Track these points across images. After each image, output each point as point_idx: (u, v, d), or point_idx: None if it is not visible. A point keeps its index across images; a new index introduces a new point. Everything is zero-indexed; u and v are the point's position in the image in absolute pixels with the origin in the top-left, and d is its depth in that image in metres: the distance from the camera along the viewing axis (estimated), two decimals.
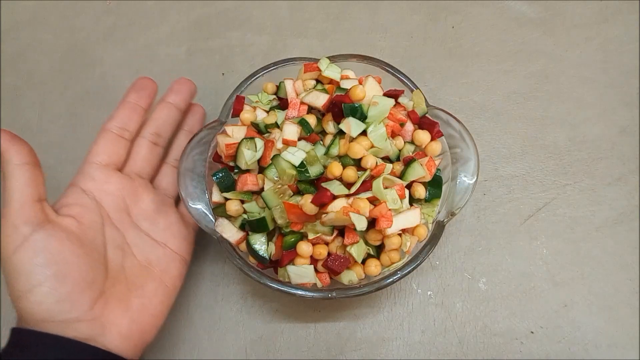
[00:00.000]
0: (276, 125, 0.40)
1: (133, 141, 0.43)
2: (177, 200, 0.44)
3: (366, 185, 0.37)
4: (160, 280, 0.40)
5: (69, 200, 0.39)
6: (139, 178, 0.42)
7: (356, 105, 0.38)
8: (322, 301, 0.45)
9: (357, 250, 0.38)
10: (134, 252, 0.40)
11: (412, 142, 0.41)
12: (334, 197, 0.37)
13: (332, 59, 0.43)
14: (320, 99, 0.39)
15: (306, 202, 0.36)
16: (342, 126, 0.38)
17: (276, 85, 0.44)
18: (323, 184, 0.37)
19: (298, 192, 0.38)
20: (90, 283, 0.36)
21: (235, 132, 0.40)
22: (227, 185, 0.40)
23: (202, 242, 0.47)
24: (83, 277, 0.35)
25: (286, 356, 0.44)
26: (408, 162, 0.39)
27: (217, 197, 0.40)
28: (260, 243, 0.39)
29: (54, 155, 0.51)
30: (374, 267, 0.39)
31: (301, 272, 0.38)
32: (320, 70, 0.42)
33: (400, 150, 0.41)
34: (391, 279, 0.38)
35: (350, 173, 0.37)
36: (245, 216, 0.40)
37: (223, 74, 0.53)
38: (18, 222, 0.34)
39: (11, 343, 0.35)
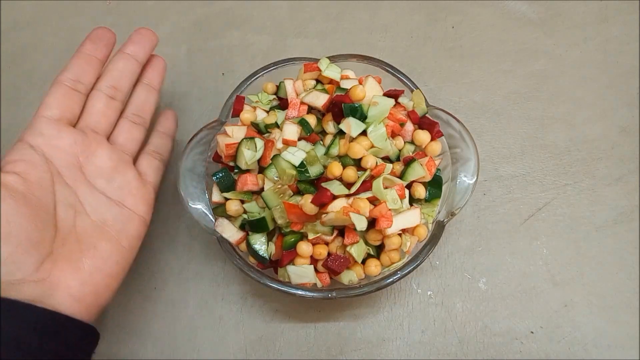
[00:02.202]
0: (276, 125, 0.40)
1: (88, 95, 0.40)
2: (135, 157, 0.42)
3: (366, 185, 0.37)
4: (116, 241, 0.38)
5: (14, 157, 0.36)
6: (93, 133, 0.39)
7: (356, 105, 0.38)
8: (322, 301, 0.45)
9: (357, 250, 0.38)
10: (87, 210, 0.38)
11: (412, 142, 0.41)
12: (334, 197, 0.37)
13: (332, 59, 0.43)
14: (320, 99, 0.40)
15: (306, 202, 0.36)
16: (342, 126, 0.38)
17: (276, 85, 0.44)
18: (323, 184, 0.37)
19: (298, 192, 0.38)
20: (36, 243, 0.34)
21: (235, 132, 0.40)
22: (227, 185, 0.40)
23: (202, 242, 0.47)
24: (28, 237, 0.33)
25: (286, 356, 0.44)
26: (408, 162, 0.39)
27: (217, 197, 0.40)
28: (260, 243, 0.39)
29: None
30: (374, 267, 0.39)
31: (301, 272, 0.38)
32: (320, 70, 0.42)
33: (400, 150, 0.41)
34: (391, 279, 0.38)
35: (350, 173, 0.37)
36: (245, 216, 0.40)
37: (223, 74, 0.53)
38: None
39: None
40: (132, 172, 0.40)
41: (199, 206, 0.41)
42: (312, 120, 0.39)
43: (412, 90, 0.43)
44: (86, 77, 0.40)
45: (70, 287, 0.35)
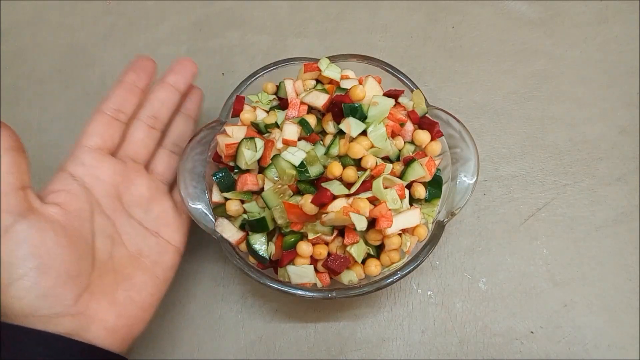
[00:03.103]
0: (276, 125, 0.40)
1: (129, 124, 0.40)
2: (172, 187, 0.43)
3: (366, 185, 0.37)
4: (151, 272, 0.38)
5: (55, 187, 0.36)
6: (132, 162, 0.40)
7: (356, 105, 0.38)
8: (322, 301, 0.45)
9: (357, 250, 0.38)
10: (124, 241, 0.38)
11: (412, 142, 0.41)
12: (334, 197, 0.37)
13: (332, 59, 0.43)
14: (320, 99, 0.39)
15: (306, 202, 0.36)
16: (342, 126, 0.38)
17: (276, 85, 0.44)
18: (323, 184, 0.37)
19: (298, 192, 0.38)
20: (75, 276, 0.34)
21: (235, 132, 0.40)
22: (227, 185, 0.40)
23: (202, 242, 0.47)
24: (67, 270, 0.33)
25: (286, 356, 0.44)
26: (408, 162, 0.39)
27: (217, 197, 0.40)
28: (260, 243, 0.39)
29: (53, 155, 0.51)
30: (374, 267, 0.39)
31: (301, 272, 0.38)
32: (320, 70, 0.42)
33: (400, 150, 0.41)
34: (391, 279, 0.38)
35: (350, 173, 0.37)
36: (245, 216, 0.40)
37: (223, 74, 0.53)
38: None
39: None
40: (169, 202, 0.41)
41: (199, 206, 0.41)
42: (312, 120, 0.39)
43: (412, 90, 0.43)
44: (128, 107, 0.40)
45: (106, 320, 0.35)
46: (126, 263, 0.38)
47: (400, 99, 0.43)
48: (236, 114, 0.42)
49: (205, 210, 0.41)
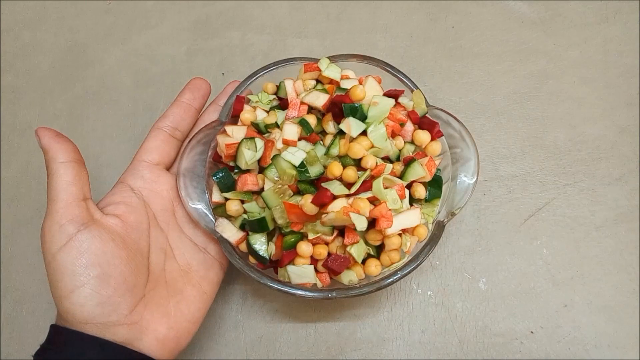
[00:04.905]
0: (276, 125, 0.40)
1: (183, 142, 0.42)
2: None
3: (366, 185, 0.37)
4: (199, 286, 0.39)
5: (116, 199, 0.38)
6: None
7: (356, 105, 0.38)
8: (322, 301, 0.45)
9: (357, 250, 0.38)
10: (175, 255, 0.39)
11: (412, 142, 0.41)
12: (334, 197, 0.37)
13: (332, 59, 0.43)
14: (320, 99, 0.39)
15: (306, 202, 0.36)
16: (342, 126, 0.38)
17: (276, 85, 0.44)
18: (323, 184, 0.37)
19: (298, 192, 0.38)
20: (132, 286, 0.35)
21: (235, 132, 0.40)
22: (227, 185, 0.40)
23: None
24: (125, 280, 0.35)
25: (286, 356, 0.44)
26: (408, 162, 0.39)
27: (217, 197, 0.40)
28: (260, 243, 0.39)
29: None
30: (374, 267, 0.39)
31: (301, 272, 0.38)
32: (320, 70, 0.42)
33: (400, 150, 0.41)
34: (391, 279, 0.38)
35: (350, 173, 0.37)
36: (245, 216, 0.40)
37: (223, 74, 0.53)
38: (63, 221, 0.34)
39: (50, 340, 0.35)
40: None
41: (199, 206, 0.41)
42: (312, 120, 0.39)
43: (412, 90, 0.43)
44: (183, 125, 0.42)
45: (158, 332, 0.36)
46: (177, 277, 0.39)
47: (400, 99, 0.43)
48: (236, 114, 0.42)
49: (205, 210, 0.41)
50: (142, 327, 0.35)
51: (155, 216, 0.39)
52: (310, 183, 0.38)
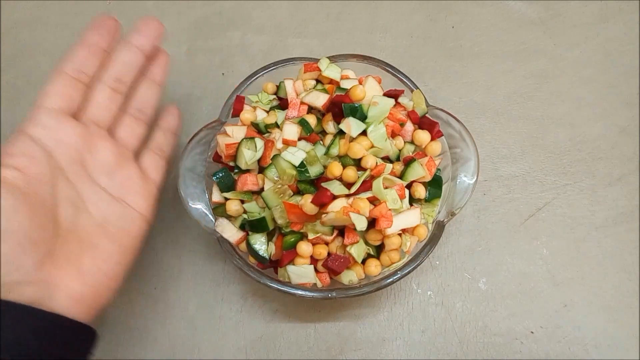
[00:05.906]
0: (276, 125, 0.40)
1: (90, 86, 0.38)
2: (137, 153, 0.41)
3: (366, 185, 0.37)
4: (118, 239, 0.37)
5: (14, 150, 0.34)
6: (95, 127, 0.38)
7: (356, 105, 0.38)
8: (322, 301, 0.45)
9: (357, 250, 0.38)
10: (88, 208, 0.36)
11: (412, 142, 0.41)
12: (334, 197, 0.37)
13: (332, 59, 0.43)
14: (320, 99, 0.40)
15: (306, 202, 0.36)
16: (342, 126, 0.38)
17: (276, 85, 0.44)
18: (323, 184, 0.37)
19: (298, 192, 0.38)
20: (36, 242, 0.32)
21: (235, 132, 0.40)
22: (227, 185, 0.40)
23: (202, 242, 0.47)
24: (27, 236, 0.32)
25: (286, 356, 0.44)
26: (408, 162, 0.39)
27: (217, 197, 0.40)
28: (260, 243, 0.39)
29: None
30: (374, 267, 0.39)
31: (301, 272, 0.38)
32: (320, 70, 0.42)
33: (400, 150, 0.41)
34: (391, 279, 0.38)
35: (350, 173, 0.37)
36: (245, 216, 0.40)
37: (223, 74, 0.53)
38: None
39: None
40: (134, 169, 0.39)
41: (199, 206, 0.41)
42: (312, 120, 0.39)
43: (412, 90, 0.43)
44: (89, 68, 0.38)
45: (70, 288, 0.34)
46: (91, 231, 0.36)
47: (400, 99, 0.43)
48: (236, 114, 0.42)
49: (205, 210, 0.41)
50: (52, 284, 0.33)
51: (61, 167, 0.35)
52: (310, 183, 0.38)
